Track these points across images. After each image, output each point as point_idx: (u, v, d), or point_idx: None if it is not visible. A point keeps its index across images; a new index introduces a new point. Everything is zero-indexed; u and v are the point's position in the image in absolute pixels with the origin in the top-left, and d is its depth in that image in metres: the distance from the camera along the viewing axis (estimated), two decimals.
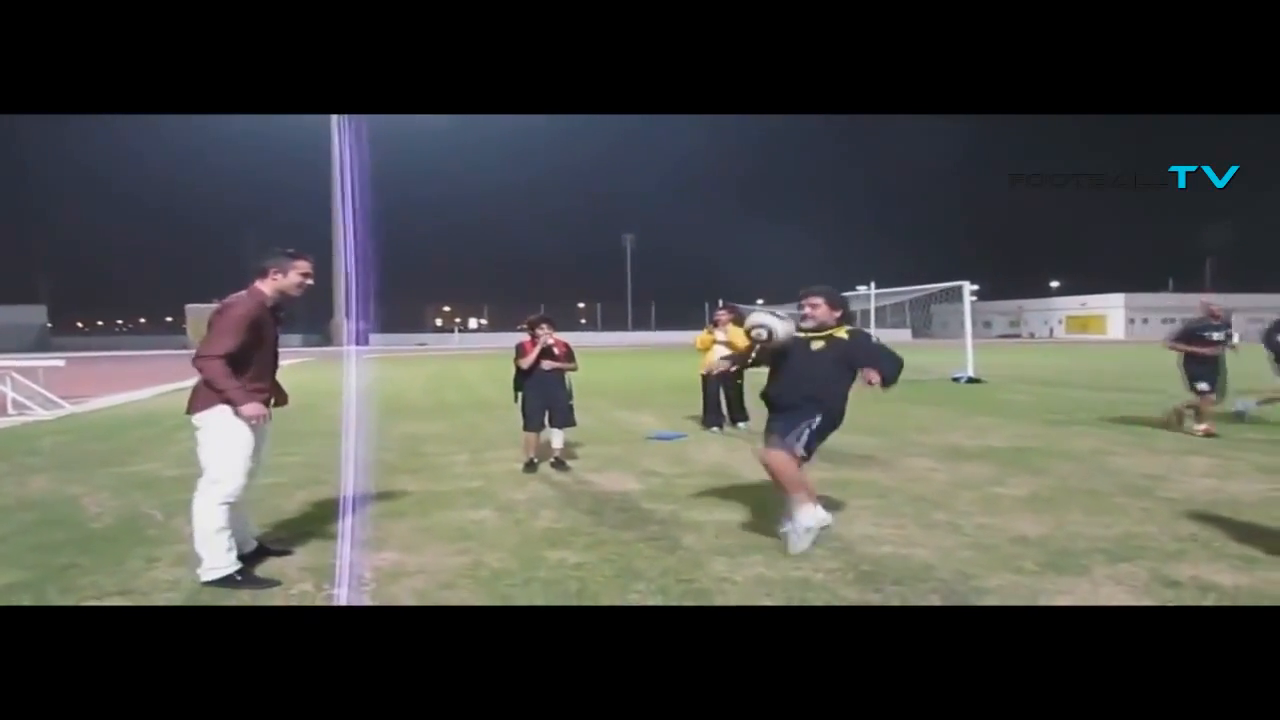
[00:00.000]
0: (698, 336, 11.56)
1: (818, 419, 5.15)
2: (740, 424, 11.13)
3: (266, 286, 4.73)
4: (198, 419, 4.58)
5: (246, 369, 4.59)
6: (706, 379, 11.00)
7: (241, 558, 4.68)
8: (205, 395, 4.53)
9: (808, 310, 5.41)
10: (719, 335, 10.93)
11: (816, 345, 5.31)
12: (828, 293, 5.42)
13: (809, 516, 5.03)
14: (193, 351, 4.61)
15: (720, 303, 11.99)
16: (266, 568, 4.85)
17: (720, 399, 11.24)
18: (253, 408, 4.48)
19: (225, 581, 4.51)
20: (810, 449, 5.17)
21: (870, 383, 5.07)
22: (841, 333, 5.35)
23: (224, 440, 4.54)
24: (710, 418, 11.26)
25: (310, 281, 4.84)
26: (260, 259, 4.76)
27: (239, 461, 4.58)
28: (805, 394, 5.23)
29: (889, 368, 5.16)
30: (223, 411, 4.49)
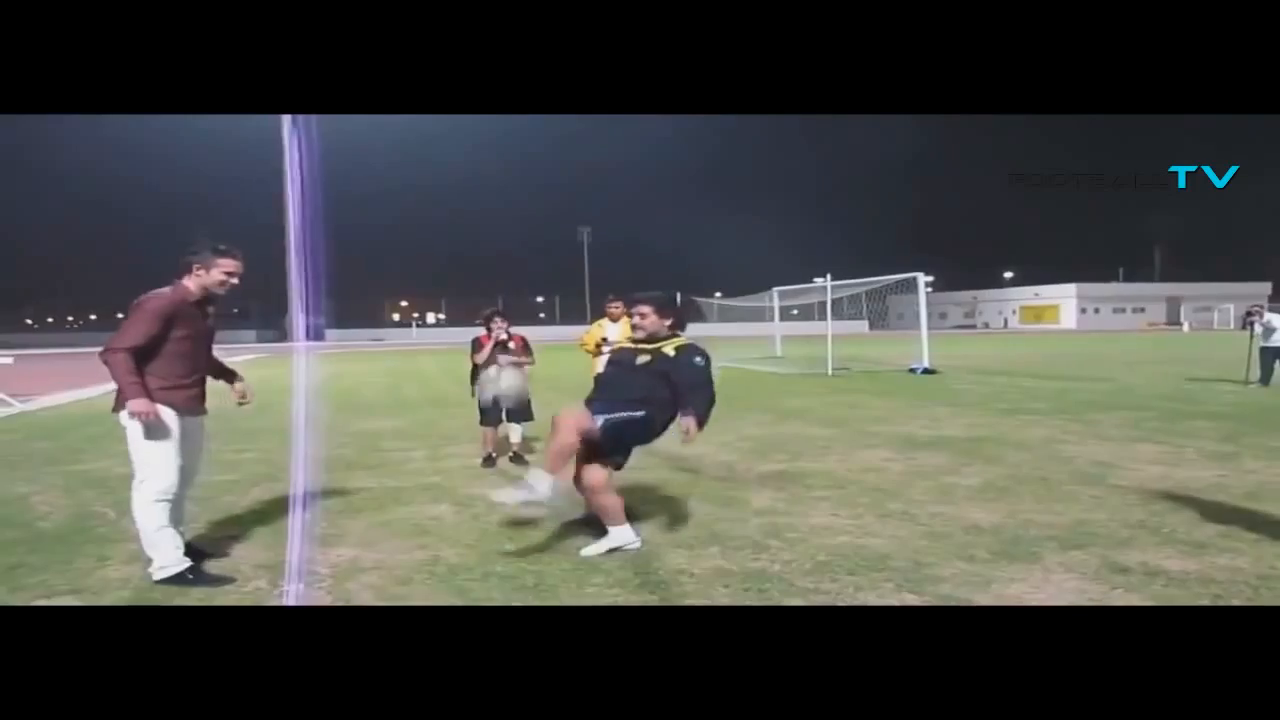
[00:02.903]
0: (585, 334, 9.12)
1: (640, 413, 4.94)
2: None
3: (191, 282, 4.62)
4: (122, 416, 4.47)
5: (162, 364, 4.48)
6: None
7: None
8: None
9: (636, 320, 5.19)
10: (608, 342, 8.59)
11: (641, 359, 5.12)
12: (656, 300, 5.19)
13: (546, 485, 4.70)
14: None
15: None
16: (220, 565, 4.79)
17: None
18: (140, 404, 4.33)
19: (177, 579, 4.43)
20: (607, 429, 4.87)
21: (686, 432, 4.80)
22: (669, 348, 5.11)
23: (145, 436, 4.44)
24: None
25: (235, 280, 4.70)
26: (187, 253, 4.65)
27: (163, 456, 4.48)
28: (627, 398, 4.99)
29: (699, 403, 4.92)
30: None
